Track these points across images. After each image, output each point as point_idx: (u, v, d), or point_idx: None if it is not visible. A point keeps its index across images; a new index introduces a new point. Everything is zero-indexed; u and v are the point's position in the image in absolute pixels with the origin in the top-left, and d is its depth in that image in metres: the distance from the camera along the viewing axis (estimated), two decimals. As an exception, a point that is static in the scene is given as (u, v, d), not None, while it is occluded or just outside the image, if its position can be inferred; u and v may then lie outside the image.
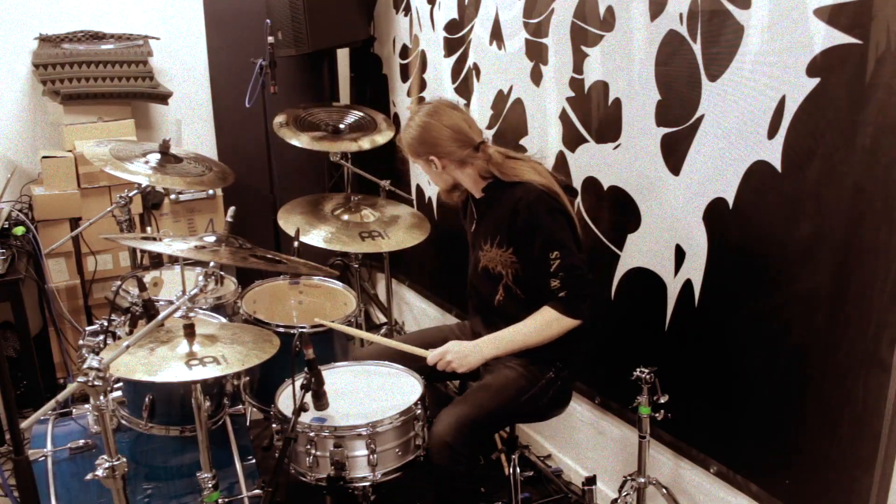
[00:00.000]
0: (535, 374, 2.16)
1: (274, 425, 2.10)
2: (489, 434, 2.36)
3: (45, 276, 3.34)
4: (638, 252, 2.36)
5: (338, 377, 2.24)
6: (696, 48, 2.02)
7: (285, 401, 2.10)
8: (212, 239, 2.18)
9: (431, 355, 2.13)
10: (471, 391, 2.17)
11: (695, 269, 2.15)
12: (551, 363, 2.17)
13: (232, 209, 2.44)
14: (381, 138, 3.38)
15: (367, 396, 2.16)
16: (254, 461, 2.29)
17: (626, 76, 2.28)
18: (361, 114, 3.53)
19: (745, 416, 2.07)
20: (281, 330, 2.47)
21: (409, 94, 3.63)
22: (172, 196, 3.63)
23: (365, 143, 3.34)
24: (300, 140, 3.24)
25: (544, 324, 2.07)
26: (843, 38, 1.67)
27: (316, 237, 2.95)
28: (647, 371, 2.14)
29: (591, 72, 2.42)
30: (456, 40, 3.16)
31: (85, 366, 1.62)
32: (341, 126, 3.43)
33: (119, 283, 2.50)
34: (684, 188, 2.14)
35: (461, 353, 2.11)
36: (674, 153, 2.16)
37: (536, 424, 2.98)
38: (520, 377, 2.15)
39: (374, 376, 2.26)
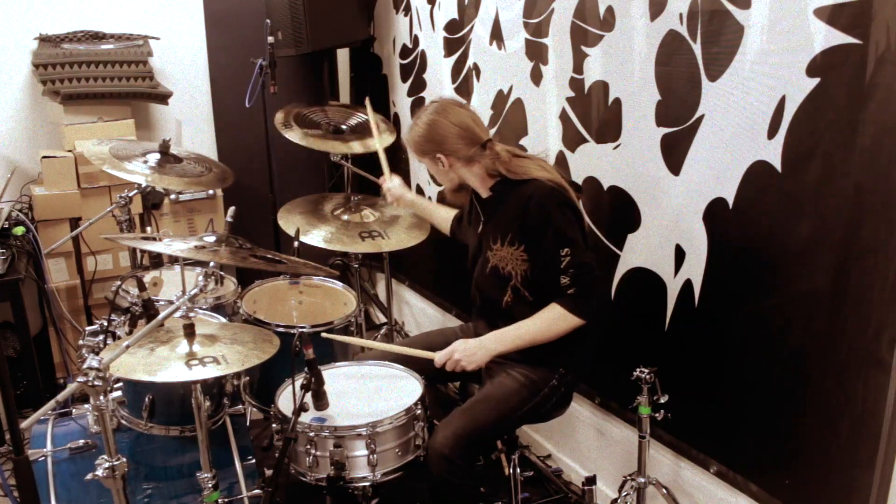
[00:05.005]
0: (538, 384, 2.15)
1: (274, 425, 2.10)
2: (488, 445, 2.37)
3: (45, 276, 3.33)
4: (638, 252, 2.36)
5: (338, 377, 2.24)
6: (696, 48, 2.03)
7: (285, 401, 2.10)
8: (212, 239, 2.18)
9: (438, 356, 2.13)
10: (471, 402, 2.16)
11: (695, 269, 2.15)
12: (555, 370, 2.16)
13: (232, 209, 2.44)
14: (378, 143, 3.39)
15: (368, 396, 2.16)
16: (254, 461, 2.29)
17: (626, 76, 2.28)
18: (364, 117, 3.52)
19: (745, 416, 2.07)
20: (281, 330, 2.47)
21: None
22: (172, 196, 3.63)
23: (358, 147, 3.34)
24: (298, 135, 3.24)
25: (551, 321, 2.07)
26: (843, 38, 1.67)
27: (316, 237, 2.95)
28: (647, 371, 2.14)
29: (591, 72, 2.42)
30: (456, 40, 3.16)
31: (85, 366, 1.62)
32: (343, 127, 3.43)
33: (119, 283, 2.50)
34: (684, 188, 2.14)
35: (469, 351, 2.11)
36: (674, 153, 2.16)
37: (536, 424, 2.98)
38: (521, 388, 2.14)
39: (374, 376, 2.27)
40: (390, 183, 2.76)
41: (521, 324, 2.11)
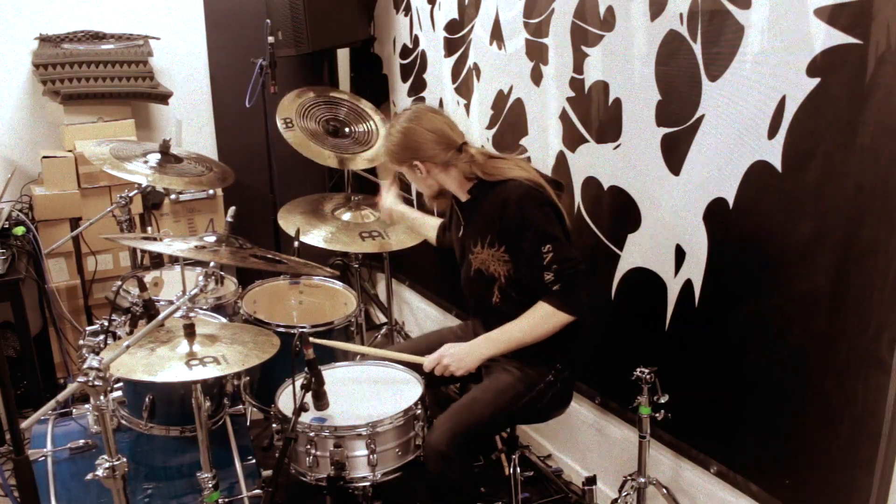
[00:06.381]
0: (534, 378, 2.15)
1: (274, 425, 2.10)
2: (486, 440, 2.36)
3: (46, 276, 3.34)
4: (638, 252, 2.36)
5: (338, 377, 2.24)
6: (697, 48, 2.03)
7: (285, 401, 2.10)
8: (212, 239, 2.18)
9: (427, 361, 2.13)
10: (467, 397, 2.16)
11: (695, 269, 2.15)
12: (550, 365, 2.16)
13: (232, 209, 2.44)
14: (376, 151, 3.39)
15: (368, 396, 2.16)
16: (254, 461, 2.29)
17: (626, 76, 2.28)
18: (366, 126, 3.51)
19: (745, 416, 2.07)
20: (281, 330, 2.47)
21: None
22: (172, 196, 3.63)
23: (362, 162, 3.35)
24: (298, 138, 3.24)
25: (540, 319, 2.05)
26: (843, 38, 1.67)
27: (316, 237, 2.95)
28: (647, 371, 2.14)
29: (592, 72, 2.42)
30: (456, 40, 3.16)
31: (85, 366, 1.62)
32: (346, 130, 3.43)
33: (119, 283, 2.50)
34: (684, 188, 2.14)
35: (457, 356, 2.10)
36: (674, 153, 2.16)
37: (536, 424, 2.98)
38: (517, 382, 2.14)
39: (374, 376, 2.27)
40: (384, 200, 2.70)
41: (510, 325, 2.09)
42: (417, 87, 3.56)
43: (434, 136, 2.13)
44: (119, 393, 2.24)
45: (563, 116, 2.58)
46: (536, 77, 2.69)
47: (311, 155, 3.23)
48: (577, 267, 2.04)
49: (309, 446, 1.97)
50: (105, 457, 1.71)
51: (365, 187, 3.65)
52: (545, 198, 2.07)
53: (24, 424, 1.74)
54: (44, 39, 3.54)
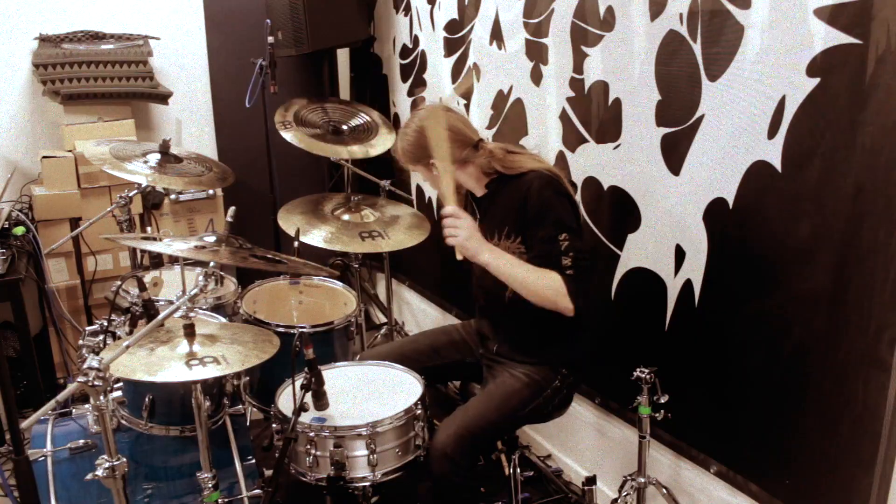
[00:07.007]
0: (540, 384, 2.15)
1: (274, 425, 2.10)
2: (490, 444, 2.37)
3: (45, 276, 3.34)
4: (638, 252, 2.36)
5: (338, 377, 2.24)
6: (696, 48, 2.03)
7: (285, 401, 2.10)
8: (212, 239, 2.18)
9: (451, 209, 2.05)
10: (473, 401, 2.16)
11: (695, 269, 2.15)
12: (557, 371, 2.16)
13: (232, 209, 2.44)
14: (379, 148, 3.38)
15: (368, 396, 2.16)
16: (254, 461, 2.29)
17: (626, 76, 2.28)
18: (365, 118, 3.52)
19: (745, 416, 2.07)
20: (281, 330, 2.47)
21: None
22: (172, 196, 3.63)
23: (359, 152, 3.34)
24: (297, 137, 3.24)
25: (546, 281, 1.98)
26: (843, 38, 1.67)
27: (316, 237, 2.95)
28: (647, 371, 2.14)
29: (592, 72, 2.42)
30: (456, 40, 3.16)
31: (85, 366, 1.62)
32: (343, 128, 3.43)
33: (119, 283, 2.50)
34: (684, 188, 2.14)
35: (468, 231, 2.03)
36: (674, 153, 2.16)
37: (536, 424, 2.98)
38: (524, 387, 2.14)
39: (374, 376, 2.27)
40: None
41: (520, 262, 2.04)
42: (417, 87, 3.56)
43: (450, 133, 2.13)
44: (119, 393, 2.24)
45: (563, 116, 2.58)
46: (536, 77, 2.69)
47: (318, 149, 3.24)
48: (588, 260, 2.03)
49: (309, 446, 1.97)
50: (105, 457, 1.71)
51: (365, 187, 3.65)
52: (563, 188, 2.08)
53: (24, 424, 1.74)
54: (44, 39, 3.54)
